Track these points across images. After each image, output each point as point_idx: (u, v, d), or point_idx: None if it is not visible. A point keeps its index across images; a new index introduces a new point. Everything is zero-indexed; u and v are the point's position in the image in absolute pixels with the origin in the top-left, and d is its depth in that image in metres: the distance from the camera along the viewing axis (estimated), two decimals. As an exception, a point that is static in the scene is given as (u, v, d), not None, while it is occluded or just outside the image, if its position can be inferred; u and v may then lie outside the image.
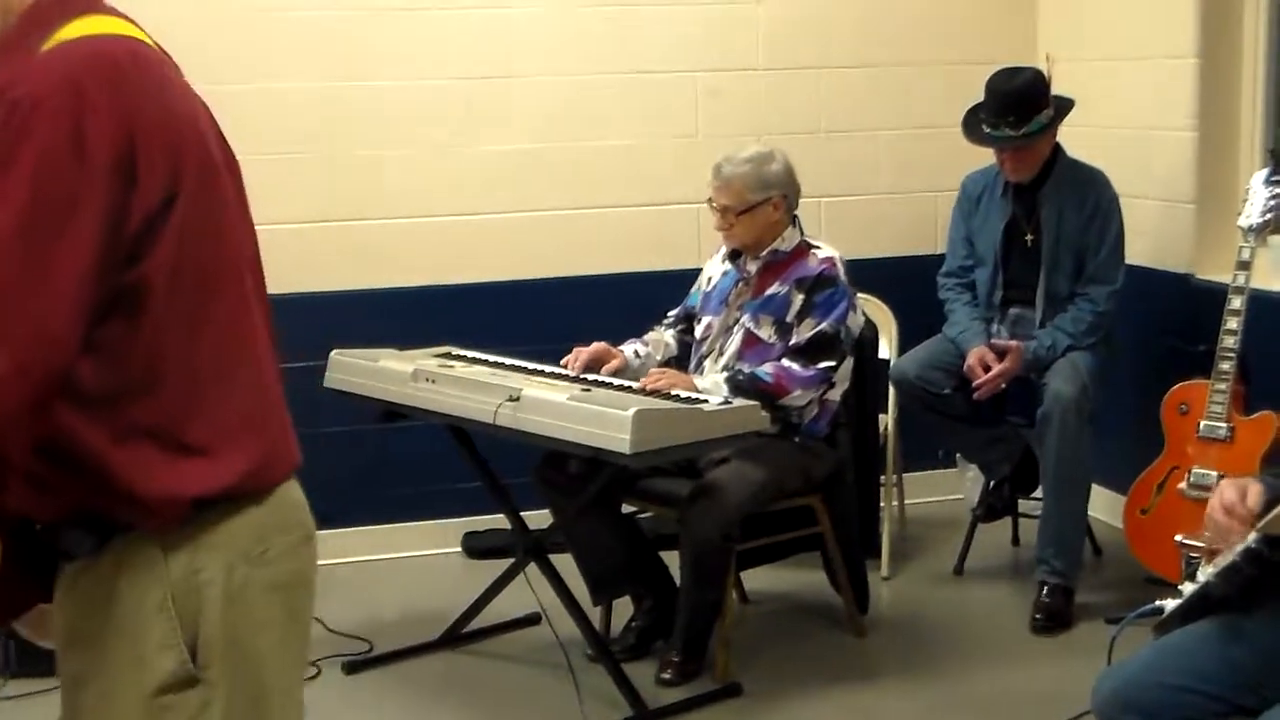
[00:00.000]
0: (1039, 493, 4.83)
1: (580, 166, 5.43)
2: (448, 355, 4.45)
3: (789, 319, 4.24)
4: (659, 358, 4.45)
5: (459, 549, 5.42)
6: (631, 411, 3.61)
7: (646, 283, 5.40)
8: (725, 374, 4.20)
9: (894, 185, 5.68)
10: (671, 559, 4.32)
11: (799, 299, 4.24)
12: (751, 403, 3.93)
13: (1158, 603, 2.98)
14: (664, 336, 4.51)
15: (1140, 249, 4.94)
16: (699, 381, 4.14)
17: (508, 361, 4.36)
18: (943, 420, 4.93)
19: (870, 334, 4.55)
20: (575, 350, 4.35)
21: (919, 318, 5.09)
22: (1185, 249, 5.04)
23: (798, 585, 4.89)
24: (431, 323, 5.24)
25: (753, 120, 5.46)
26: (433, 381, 4.12)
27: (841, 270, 4.29)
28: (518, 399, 3.85)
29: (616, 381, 4.12)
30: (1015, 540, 5.33)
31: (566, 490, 4.15)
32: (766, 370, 4.18)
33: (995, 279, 4.87)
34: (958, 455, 5.55)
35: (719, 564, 4.08)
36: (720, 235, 4.39)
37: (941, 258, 5.14)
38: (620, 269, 5.49)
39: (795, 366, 4.18)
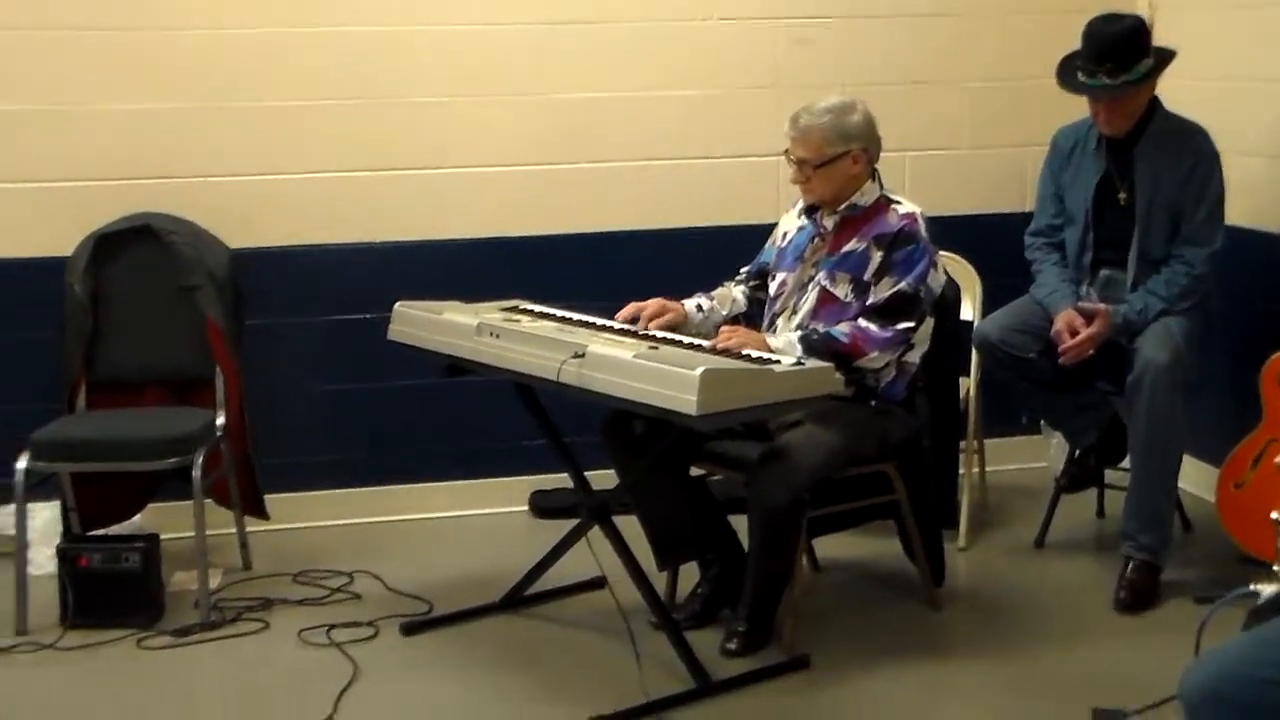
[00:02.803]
0: (1126, 463, 4.62)
1: (656, 116, 5.27)
2: (515, 309, 4.31)
3: (867, 277, 4.06)
4: (724, 312, 4.28)
5: (526, 508, 5.31)
6: (699, 371, 3.45)
7: (722, 237, 5.24)
8: (799, 333, 4.03)
9: (981, 139, 5.47)
10: (741, 523, 4.16)
11: (877, 256, 4.06)
12: (825, 364, 3.75)
13: (1253, 587, 2.80)
14: (732, 292, 4.34)
15: (1241, 208, 4.70)
16: (771, 341, 3.97)
17: (576, 317, 4.21)
18: (1027, 385, 4.73)
19: (952, 294, 4.34)
20: (630, 305, 4.20)
21: (1004, 278, 4.88)
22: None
23: (871, 554, 4.72)
24: (501, 275, 5.14)
25: (835, 69, 5.27)
26: (497, 336, 3.98)
27: (922, 227, 4.10)
28: (583, 355, 3.70)
29: (686, 339, 3.96)
30: (1100, 512, 5.13)
31: (633, 450, 4.01)
32: (842, 330, 4.01)
33: (1085, 239, 4.65)
34: (1042, 422, 5.36)
35: (789, 531, 3.92)
36: (797, 189, 4.21)
37: (1029, 215, 4.92)
38: (696, 223, 5.34)
39: (872, 327, 4.01)
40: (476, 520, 5.26)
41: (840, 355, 3.96)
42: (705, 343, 3.93)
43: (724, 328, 3.99)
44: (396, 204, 5.14)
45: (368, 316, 4.92)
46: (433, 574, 4.70)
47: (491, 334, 3.99)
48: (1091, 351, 4.52)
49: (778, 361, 3.74)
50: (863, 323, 4.02)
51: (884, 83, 5.21)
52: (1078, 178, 4.68)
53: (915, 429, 4.19)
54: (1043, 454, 5.54)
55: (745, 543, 4.13)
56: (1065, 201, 4.73)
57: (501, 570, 4.58)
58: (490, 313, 4.19)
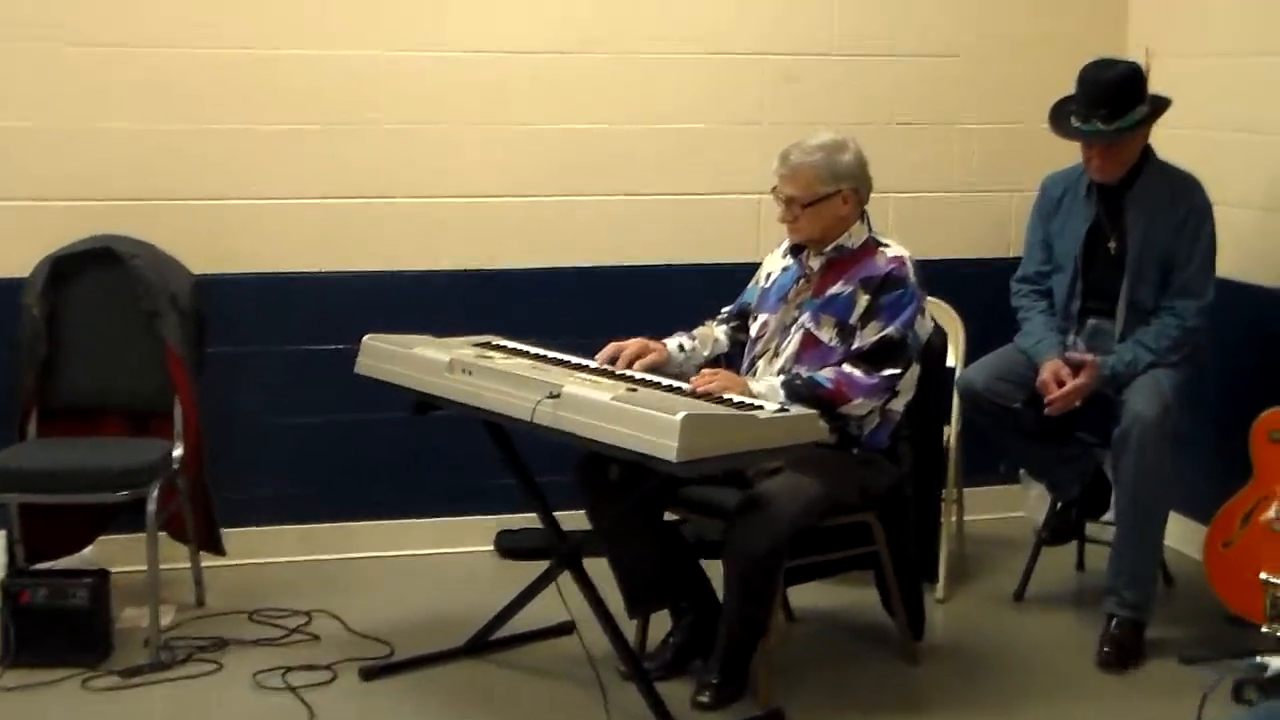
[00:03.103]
0: (1109, 516, 4.52)
1: (639, 150, 5.15)
2: (488, 345, 4.18)
3: (852, 321, 3.94)
4: (706, 353, 4.15)
5: (492, 548, 5.16)
6: (680, 416, 3.32)
7: (702, 275, 5.15)
8: (781, 378, 3.90)
9: (969, 183, 5.38)
10: (714, 568, 4.03)
11: (864, 300, 3.94)
12: (809, 411, 3.63)
13: (1260, 659, 2.69)
14: (714, 331, 4.22)
15: (1230, 261, 4.60)
16: (753, 385, 3.84)
17: (551, 355, 4.08)
18: (1010, 436, 4.62)
19: (938, 341, 4.23)
20: (611, 345, 4.07)
21: (989, 325, 4.77)
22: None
23: (848, 604, 4.59)
24: (475, 309, 5.02)
25: (822, 107, 5.16)
26: (469, 373, 3.84)
27: (911, 271, 3.98)
28: (558, 396, 3.57)
29: (665, 381, 3.83)
30: (1080, 565, 5.01)
31: (607, 495, 3.87)
32: (826, 375, 3.88)
33: (1074, 287, 4.55)
34: (1022, 472, 5.25)
35: (766, 582, 3.78)
36: (783, 228, 4.09)
37: (1016, 262, 4.82)
38: (675, 260, 5.21)
39: (857, 373, 3.88)
40: (441, 560, 5.10)
41: (824, 401, 3.84)
42: (685, 385, 3.79)
43: (705, 370, 3.86)
44: (368, 232, 5.00)
45: (335, 348, 4.78)
46: (395, 615, 4.54)
47: (464, 370, 3.86)
48: (1078, 403, 4.41)
49: (760, 407, 3.62)
50: (847, 368, 3.90)
51: (871, 122, 5.11)
52: (1067, 225, 4.58)
53: (898, 478, 4.07)
54: (1020, 504, 5.43)
55: (719, 590, 4.00)
56: (1054, 249, 4.63)
57: (466, 612, 4.43)
58: (462, 348, 4.05)
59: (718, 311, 4.29)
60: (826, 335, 3.97)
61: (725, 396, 3.70)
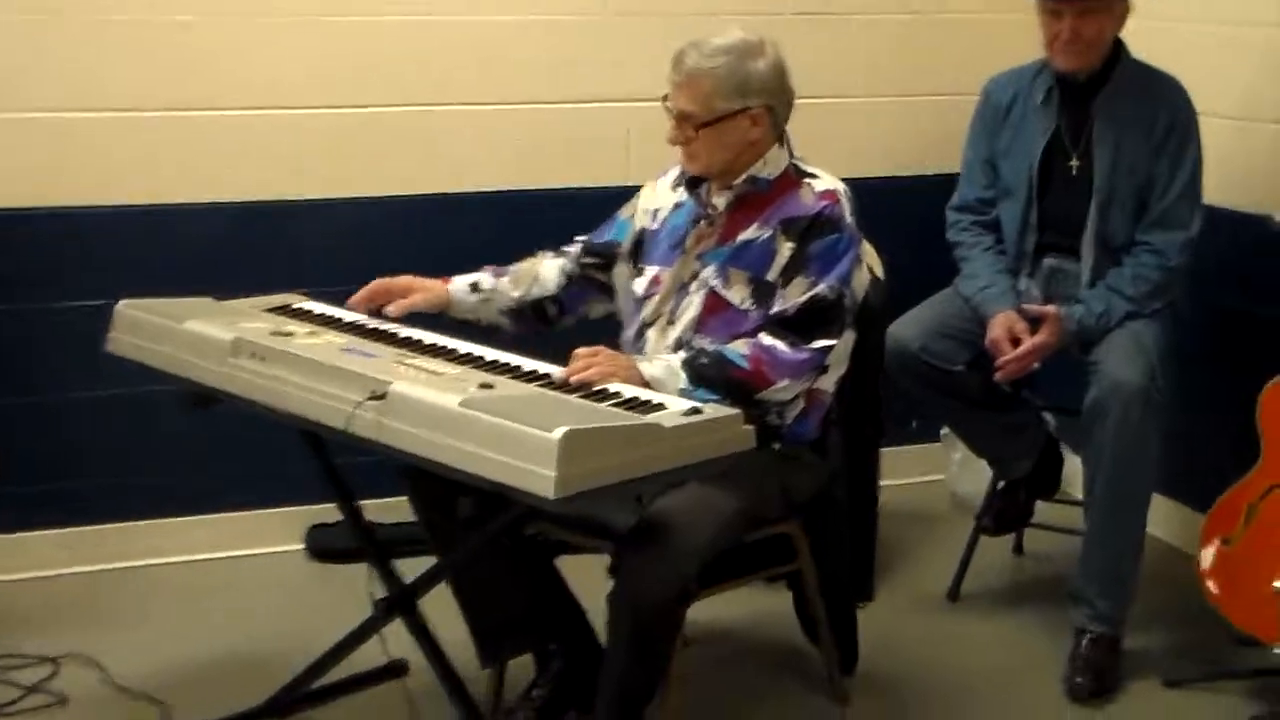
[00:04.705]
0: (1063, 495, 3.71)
1: (464, 46, 4.09)
2: (287, 311, 3.16)
3: (771, 276, 3.00)
4: (516, 295, 3.23)
5: (302, 547, 4.16)
6: (558, 434, 2.35)
7: (551, 203, 4.15)
8: (681, 354, 2.95)
9: (885, 86, 4.43)
10: (580, 571, 3.11)
11: (787, 248, 2.99)
12: (729, 411, 2.67)
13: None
14: (541, 267, 3.26)
15: (1208, 184, 3.73)
16: (645, 368, 2.88)
17: (371, 324, 3.08)
18: (946, 403, 3.75)
19: (878, 298, 3.27)
20: (373, 282, 3.15)
21: (917, 265, 3.83)
22: (1265, 183, 3.87)
23: (759, 616, 3.68)
24: (262, 253, 4.00)
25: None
26: (261, 359, 2.82)
27: (848, 209, 3.04)
28: (383, 397, 2.58)
29: (527, 367, 2.85)
30: (1019, 548, 4.20)
31: (450, 519, 2.89)
32: (739, 350, 2.94)
33: (1027, 217, 3.67)
34: (944, 430, 4.39)
35: (664, 635, 2.84)
36: (674, 151, 3.11)
37: (941, 182, 3.94)
38: (515, 184, 4.20)
39: (780, 345, 2.95)
40: (239, 565, 4.09)
41: (738, 385, 2.90)
42: (555, 371, 2.82)
43: (580, 351, 2.87)
44: (143, 155, 3.90)
45: (94, 304, 3.70)
46: (176, 652, 3.54)
47: (253, 355, 2.84)
48: (1037, 365, 3.55)
49: (662, 407, 2.66)
50: (766, 339, 2.95)
51: (760, 12, 4.11)
52: (1018, 139, 3.69)
53: (827, 478, 3.16)
54: (940, 466, 4.58)
55: (598, 626, 3.07)
56: (1000, 170, 3.74)
57: (270, 641, 3.51)
58: (253, 318, 3.04)
59: (570, 239, 3.33)
60: (737, 295, 3.02)
61: (609, 389, 2.74)
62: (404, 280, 3.16)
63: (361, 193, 4.09)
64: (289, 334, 2.94)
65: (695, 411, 2.61)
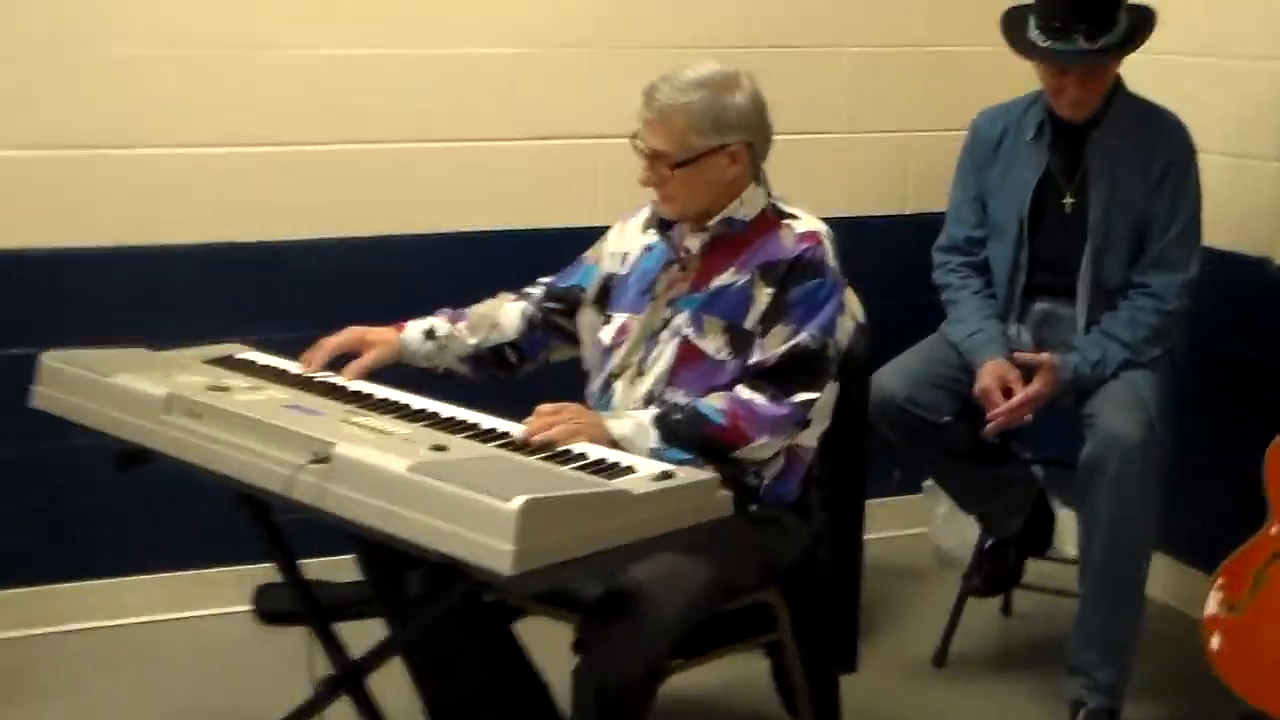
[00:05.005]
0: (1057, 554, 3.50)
1: (429, 83, 3.89)
2: (229, 362, 2.94)
3: (748, 324, 2.78)
4: (473, 342, 3.01)
5: (250, 609, 3.91)
6: (516, 504, 2.13)
7: (514, 243, 3.95)
8: (652, 410, 2.73)
9: (868, 120, 4.24)
10: (541, 636, 2.88)
11: (765, 294, 2.78)
12: (706, 476, 2.44)
13: None
14: (502, 312, 3.05)
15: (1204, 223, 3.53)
16: (612, 426, 2.66)
17: (318, 378, 2.86)
18: (932, 457, 3.54)
19: (861, 348, 3.04)
20: (320, 343, 2.91)
21: (900, 309, 3.62)
22: (1265, 224, 3.67)
23: (732, 684, 3.45)
24: (216, 295, 3.79)
25: (674, 25, 3.98)
26: (196, 416, 2.59)
27: (831, 252, 2.83)
28: (326, 460, 2.35)
29: (486, 423, 2.62)
30: (1006, 609, 3.98)
31: (402, 593, 2.66)
32: (715, 405, 2.72)
33: (1018, 258, 3.47)
34: (928, 482, 4.17)
35: (634, 712, 2.60)
36: (645, 192, 2.90)
37: (916, 220, 3.78)
38: (482, 225, 3.98)
39: (758, 399, 2.73)
40: (179, 629, 3.85)
41: (714, 443, 2.69)
42: (515, 430, 2.59)
43: (543, 408, 2.64)
44: (67, 196, 3.68)
45: (15, 353, 3.49)
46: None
47: (187, 412, 2.61)
48: (1029, 417, 3.34)
49: (630, 470, 2.44)
50: (745, 393, 2.74)
51: (735, 46, 3.91)
52: (1008, 176, 3.49)
53: (809, 541, 2.93)
54: (923, 519, 4.37)
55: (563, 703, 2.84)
56: (990, 208, 3.54)
57: (210, 714, 3.27)
58: (189, 369, 2.81)
59: (533, 281, 3.11)
60: (712, 345, 2.80)
61: (574, 450, 2.52)
62: (353, 335, 2.93)
63: (314, 234, 3.87)
64: (227, 388, 2.71)
65: (667, 476, 2.39)
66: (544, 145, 4.00)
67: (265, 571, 3.74)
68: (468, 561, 2.17)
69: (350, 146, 3.87)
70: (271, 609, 3.85)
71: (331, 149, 3.85)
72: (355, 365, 2.88)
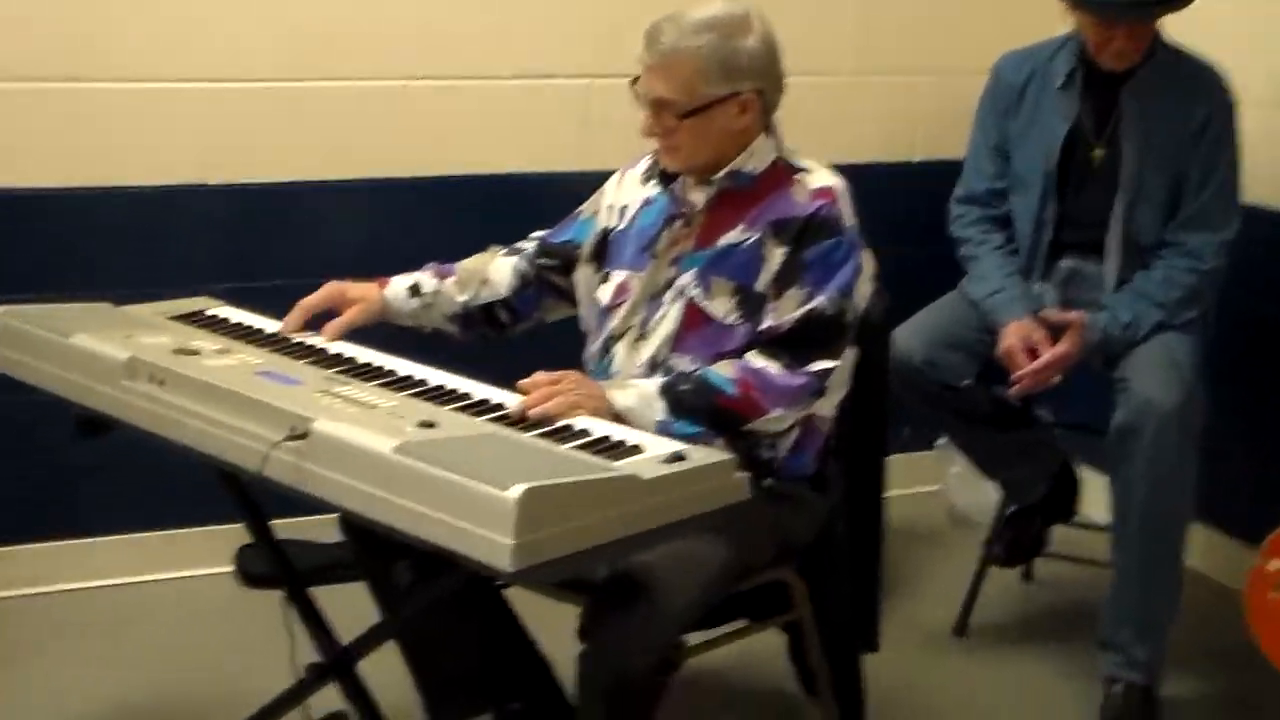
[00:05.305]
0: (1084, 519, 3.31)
1: (408, 17, 3.64)
2: (198, 319, 2.72)
3: (759, 286, 2.57)
4: (462, 299, 2.80)
5: (230, 570, 3.71)
6: (515, 492, 1.92)
7: (500, 190, 3.71)
8: (657, 380, 2.52)
9: (880, 61, 4.00)
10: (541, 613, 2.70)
11: (778, 254, 2.56)
12: (720, 457, 2.24)
13: None
14: (493, 267, 2.83)
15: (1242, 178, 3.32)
16: (616, 397, 2.45)
17: (295, 339, 2.64)
18: (950, 422, 3.35)
19: (878, 311, 2.80)
20: (298, 305, 2.67)
21: (913, 264, 3.40)
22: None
23: (746, 660, 3.23)
24: (185, 239, 3.57)
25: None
26: (160, 382, 2.38)
27: (848, 209, 2.62)
28: (304, 435, 2.15)
29: (478, 394, 2.41)
30: (1028, 575, 3.79)
31: (390, 579, 2.47)
32: (725, 375, 2.51)
33: (1043, 212, 3.27)
34: (943, 439, 3.98)
35: (646, 704, 2.42)
36: (639, 135, 2.67)
37: (924, 169, 3.62)
38: (465, 169, 3.75)
39: (772, 368, 2.52)
40: (157, 591, 3.66)
41: (724, 414, 2.49)
42: (509, 400, 2.38)
43: (539, 377, 2.43)
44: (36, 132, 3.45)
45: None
46: (76, 694, 3.10)
47: (152, 379, 2.40)
48: (1056, 379, 3.14)
49: (639, 450, 2.23)
50: (757, 361, 2.53)
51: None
52: (1034, 125, 3.28)
53: (826, 517, 2.74)
54: (935, 476, 4.18)
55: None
56: (1013, 159, 3.32)
57: (190, 681, 3.13)
58: (154, 329, 2.60)
59: (526, 236, 2.89)
60: (721, 308, 2.59)
61: (574, 425, 2.31)
62: (332, 291, 2.71)
63: (288, 177, 3.63)
64: (195, 351, 2.49)
65: (679, 458, 2.18)
66: (533, 84, 3.77)
67: (238, 534, 3.58)
68: (465, 554, 1.97)
69: (327, 84, 3.63)
70: (252, 571, 3.66)
71: (306, 86, 3.62)
72: (334, 324, 2.66)
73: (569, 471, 2.06)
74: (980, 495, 3.91)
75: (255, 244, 3.61)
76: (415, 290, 2.78)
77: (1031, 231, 3.28)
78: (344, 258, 3.16)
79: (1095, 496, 3.63)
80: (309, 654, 2.62)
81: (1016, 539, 3.51)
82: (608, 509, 2.05)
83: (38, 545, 3.63)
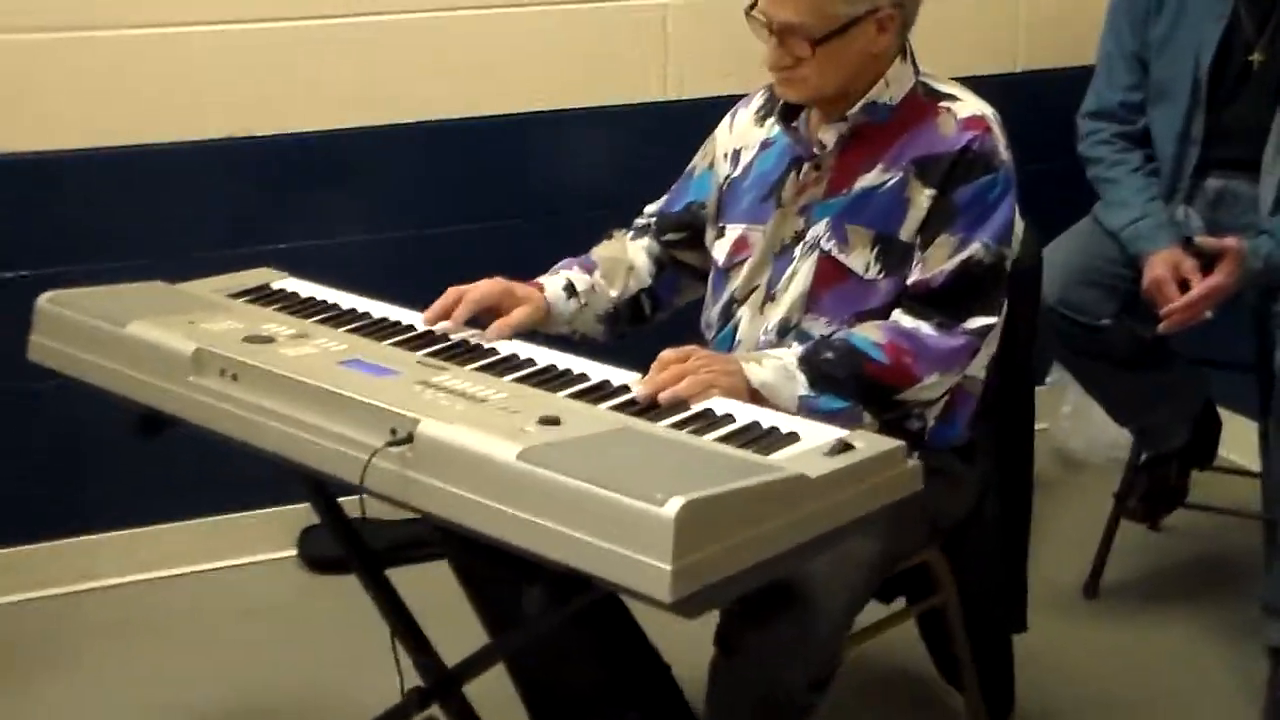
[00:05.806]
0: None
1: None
2: (263, 295, 2.42)
3: (904, 234, 2.25)
4: (614, 294, 2.46)
5: (294, 554, 3.46)
6: (672, 509, 1.62)
7: (572, 127, 3.36)
8: (796, 349, 2.22)
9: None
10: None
11: (925, 197, 2.24)
12: (889, 444, 1.93)
13: None
14: (627, 253, 2.51)
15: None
16: (753, 372, 2.15)
17: (378, 313, 2.33)
18: (1089, 364, 3.04)
19: (1028, 256, 2.50)
20: (450, 291, 2.29)
21: (1040, 186, 3.06)
22: None
23: (879, 644, 2.98)
24: (225, 197, 3.26)
25: None
26: (233, 377, 2.08)
27: (1002, 141, 2.29)
28: (408, 439, 1.84)
29: (594, 371, 2.10)
30: (1154, 524, 3.48)
31: (504, 597, 2.17)
32: (871, 339, 2.21)
33: (1191, 125, 2.93)
34: (1053, 376, 3.67)
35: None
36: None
37: (1028, 79, 3.31)
38: (525, 106, 3.39)
39: (925, 329, 2.22)
40: (217, 581, 3.39)
41: (873, 384, 2.19)
42: (632, 380, 2.07)
43: (666, 355, 2.12)
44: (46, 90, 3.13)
45: (22, 275, 3.06)
46: (130, 700, 2.86)
47: (223, 373, 2.10)
48: (1209, 314, 2.83)
49: (795, 438, 1.92)
50: (907, 321, 2.22)
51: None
52: (1179, 27, 2.94)
53: (978, 493, 2.44)
54: (1043, 413, 3.86)
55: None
56: (1152, 67, 2.98)
57: (260, 678, 2.89)
58: (218, 310, 2.30)
59: (638, 213, 2.57)
60: (860, 261, 2.27)
61: (713, 410, 2.00)
62: (500, 287, 2.31)
63: (333, 125, 3.32)
64: (268, 339, 2.19)
65: (845, 447, 1.87)
66: (600, 8, 3.43)
67: (301, 515, 3.33)
68: (614, 581, 1.68)
69: (372, 18, 3.31)
70: (320, 553, 3.40)
71: (350, 22, 3.30)
72: (502, 323, 2.25)
73: (727, 475, 1.75)
74: (1095, 436, 3.65)
75: (307, 200, 3.30)
76: (571, 289, 2.42)
77: (1175, 149, 2.94)
78: (405, 208, 2.84)
79: (1233, 436, 3.34)
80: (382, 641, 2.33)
81: (1152, 490, 3.20)
82: (775, 517, 1.75)
83: (85, 539, 3.36)
